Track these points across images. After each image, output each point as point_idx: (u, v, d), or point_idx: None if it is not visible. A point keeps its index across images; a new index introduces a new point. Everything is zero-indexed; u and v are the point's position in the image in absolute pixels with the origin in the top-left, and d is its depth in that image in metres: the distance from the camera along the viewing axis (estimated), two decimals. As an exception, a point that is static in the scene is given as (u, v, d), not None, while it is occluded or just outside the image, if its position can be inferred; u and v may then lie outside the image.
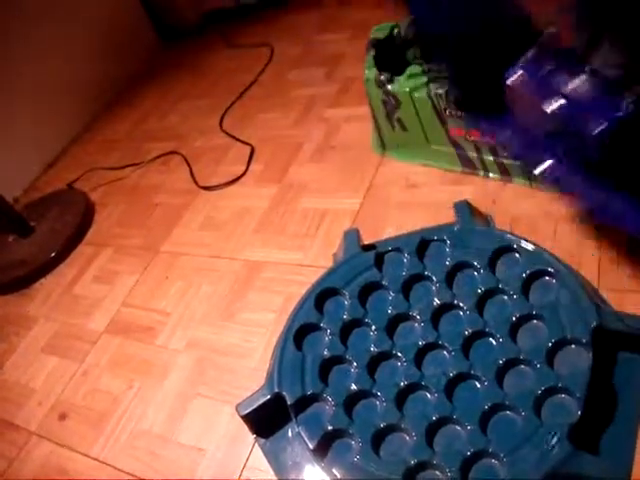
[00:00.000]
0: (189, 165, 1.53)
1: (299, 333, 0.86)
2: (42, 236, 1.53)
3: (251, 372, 0.95)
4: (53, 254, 1.45)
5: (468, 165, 1.08)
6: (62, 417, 1.06)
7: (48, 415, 1.07)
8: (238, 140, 1.52)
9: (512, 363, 0.74)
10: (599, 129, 0.65)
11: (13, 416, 1.10)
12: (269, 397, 0.80)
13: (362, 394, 0.77)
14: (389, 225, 1.07)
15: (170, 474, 0.88)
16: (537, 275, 0.81)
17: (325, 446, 0.74)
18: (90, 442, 0.99)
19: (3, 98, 1.78)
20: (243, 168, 1.41)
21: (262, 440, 0.83)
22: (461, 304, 0.82)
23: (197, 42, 2.22)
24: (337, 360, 0.82)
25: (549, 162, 0.77)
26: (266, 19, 2.09)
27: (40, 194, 1.75)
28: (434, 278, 0.86)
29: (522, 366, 0.74)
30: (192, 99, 1.87)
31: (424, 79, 1.04)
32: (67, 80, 1.99)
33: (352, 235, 0.98)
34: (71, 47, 2.00)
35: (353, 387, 0.78)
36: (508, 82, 0.76)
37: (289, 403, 0.78)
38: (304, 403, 0.78)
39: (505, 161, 1.02)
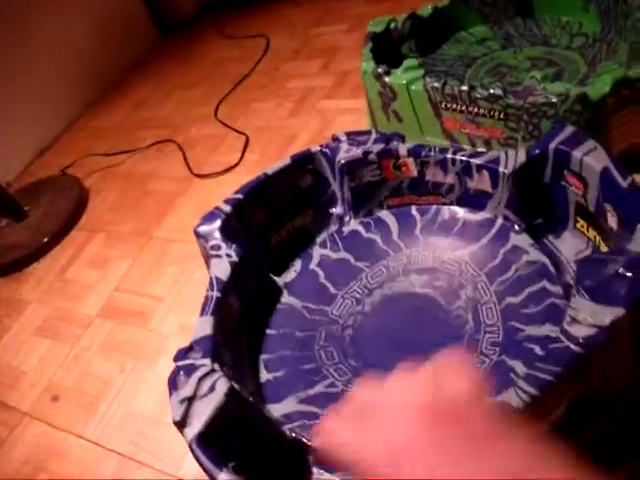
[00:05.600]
0: (183, 153, 1.54)
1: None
2: (35, 221, 1.54)
3: (243, 356, 0.96)
4: (46, 239, 1.45)
5: (461, 158, 1.10)
6: (54, 399, 1.07)
7: (40, 397, 1.08)
8: (233, 129, 1.53)
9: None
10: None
11: (5, 397, 1.11)
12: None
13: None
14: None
15: (161, 454, 0.89)
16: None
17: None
18: (82, 423, 1.00)
19: (-2, 82, 1.78)
20: (238, 157, 1.42)
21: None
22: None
23: (193, 33, 2.23)
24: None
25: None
26: (262, 10, 2.10)
27: (33, 179, 1.76)
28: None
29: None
30: (187, 88, 1.87)
31: (421, 72, 1.06)
32: (62, 67, 1.99)
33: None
34: (68, 35, 2.01)
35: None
36: None
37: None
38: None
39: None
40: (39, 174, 1.78)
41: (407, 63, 1.08)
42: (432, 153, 0.80)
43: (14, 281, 1.40)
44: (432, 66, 1.20)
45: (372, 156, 0.84)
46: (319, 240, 0.90)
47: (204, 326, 0.71)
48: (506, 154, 0.75)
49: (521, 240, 0.77)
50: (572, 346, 0.51)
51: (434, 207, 0.86)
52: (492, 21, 1.26)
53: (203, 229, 0.83)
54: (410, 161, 0.83)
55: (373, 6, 1.75)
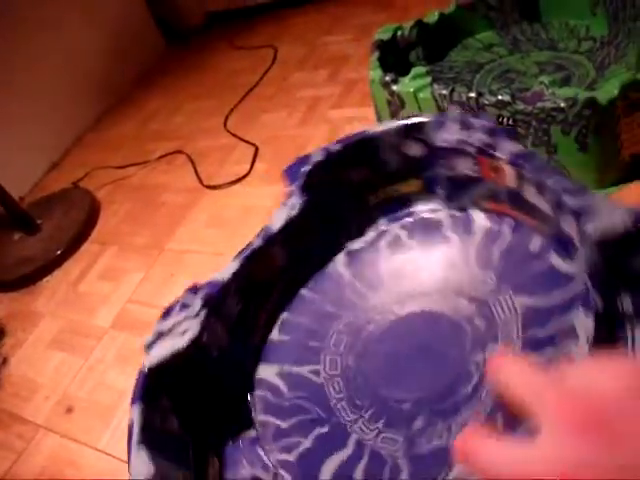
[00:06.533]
0: (194, 164, 1.54)
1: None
2: (48, 234, 1.55)
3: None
4: (59, 252, 1.46)
5: (470, 164, 1.10)
6: (69, 411, 1.07)
7: (55, 409, 1.09)
8: (242, 140, 1.54)
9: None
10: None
11: (20, 410, 1.12)
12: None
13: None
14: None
15: (176, 466, 0.89)
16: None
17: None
18: (97, 435, 1.00)
19: (10, 97, 1.80)
20: (247, 167, 1.42)
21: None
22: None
23: (202, 43, 2.24)
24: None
25: None
26: (270, 20, 2.11)
27: (46, 193, 1.77)
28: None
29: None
30: (197, 100, 1.88)
31: (428, 79, 1.06)
32: (73, 81, 2.01)
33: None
34: (77, 49, 2.02)
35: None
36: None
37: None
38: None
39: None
40: (51, 187, 1.79)
41: (414, 71, 1.08)
42: (528, 166, 0.63)
43: (28, 294, 1.41)
44: (440, 73, 1.21)
45: (470, 148, 0.70)
46: (407, 217, 0.81)
47: (227, 270, 0.70)
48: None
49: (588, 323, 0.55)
50: None
51: (527, 230, 0.70)
52: (499, 26, 1.27)
53: (289, 172, 0.78)
54: (508, 168, 0.66)
55: (379, 15, 1.75)
